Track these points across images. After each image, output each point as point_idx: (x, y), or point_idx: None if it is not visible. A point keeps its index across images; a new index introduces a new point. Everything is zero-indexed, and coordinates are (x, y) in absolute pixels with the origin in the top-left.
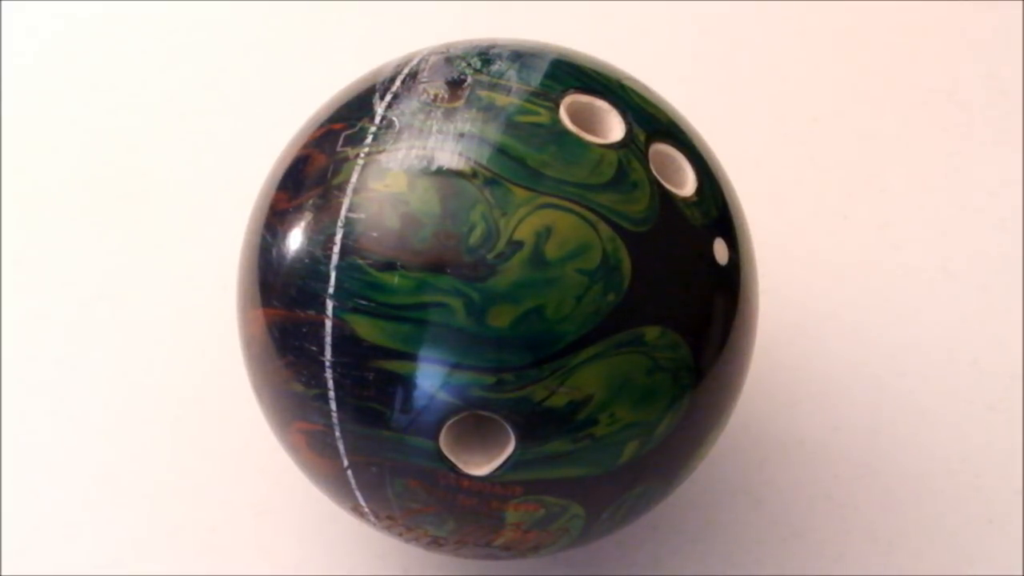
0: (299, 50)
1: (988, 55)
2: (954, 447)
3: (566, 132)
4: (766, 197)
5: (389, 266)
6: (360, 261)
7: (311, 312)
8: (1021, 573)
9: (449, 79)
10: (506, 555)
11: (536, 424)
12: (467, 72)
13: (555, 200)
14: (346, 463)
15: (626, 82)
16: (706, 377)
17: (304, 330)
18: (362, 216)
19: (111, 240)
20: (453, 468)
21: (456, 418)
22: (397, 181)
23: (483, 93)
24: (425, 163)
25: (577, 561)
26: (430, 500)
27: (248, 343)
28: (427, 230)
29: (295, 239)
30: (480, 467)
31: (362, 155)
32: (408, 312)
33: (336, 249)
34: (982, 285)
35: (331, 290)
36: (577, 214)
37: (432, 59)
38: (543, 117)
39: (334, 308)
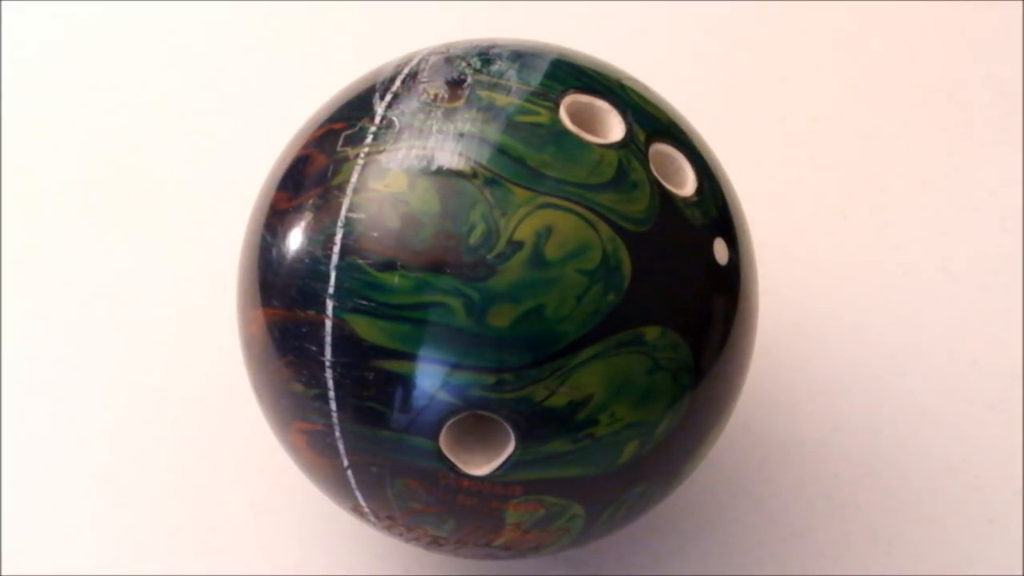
0: (299, 50)
1: (988, 55)
2: (954, 447)
3: (566, 132)
4: (766, 197)
5: (389, 266)
6: (360, 261)
7: (311, 312)
8: (1021, 573)
9: (449, 79)
10: (506, 555)
11: (536, 424)
12: (467, 72)
13: (555, 200)
14: (346, 463)
15: (626, 82)
16: (706, 377)
17: (304, 330)
18: (362, 216)
19: (111, 240)
20: (453, 468)
21: (456, 418)
22: (397, 181)
23: (483, 93)
24: (425, 163)
25: (577, 561)
26: (430, 500)
27: (248, 343)
28: (427, 230)
29: (295, 239)
30: (480, 467)
31: (362, 155)
32: (408, 312)
33: (336, 249)
34: (982, 285)
35: (331, 290)
36: (577, 214)
37: (432, 59)
38: (543, 117)
39: (334, 308)
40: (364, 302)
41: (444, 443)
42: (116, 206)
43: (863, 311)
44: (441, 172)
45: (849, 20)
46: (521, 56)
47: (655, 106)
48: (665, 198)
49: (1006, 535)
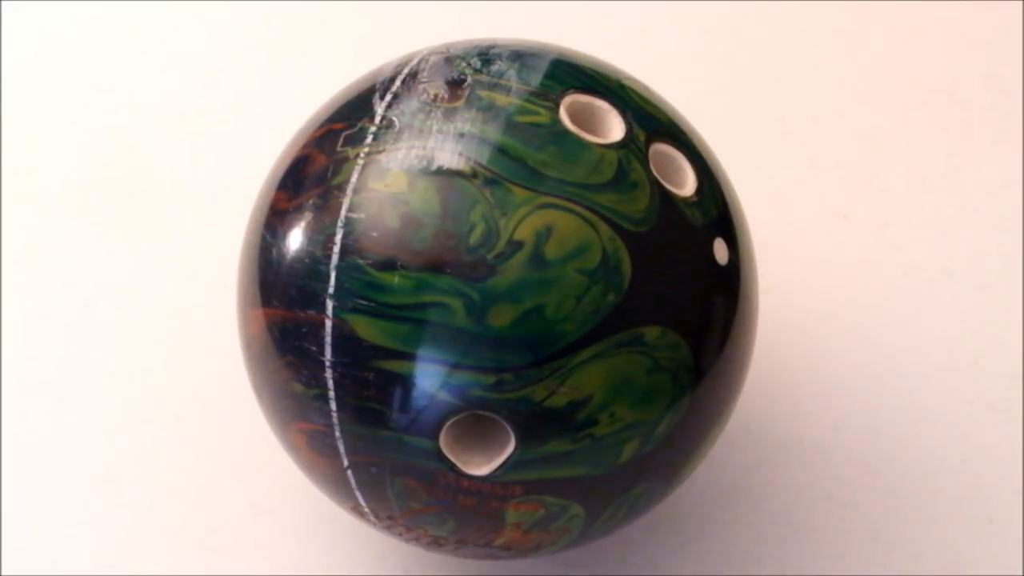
0: (299, 50)
1: (988, 55)
2: (954, 447)
3: (566, 132)
4: (766, 197)
5: (389, 266)
6: (360, 261)
7: (311, 312)
8: (1021, 573)
9: (449, 79)
10: (506, 555)
11: (536, 424)
12: (467, 72)
13: (555, 200)
14: (346, 463)
15: (626, 82)
16: (706, 377)
17: (304, 330)
18: (362, 216)
19: (111, 240)
20: (453, 468)
21: (456, 418)
22: (397, 181)
23: (483, 93)
24: (425, 163)
25: (577, 561)
26: (430, 500)
27: (248, 343)
28: (427, 230)
29: (295, 239)
30: (480, 467)
31: (362, 155)
32: (408, 312)
33: (336, 249)
34: (982, 285)
35: (331, 290)
36: (577, 214)
37: (432, 59)
38: (543, 117)
39: (334, 308)
40: (364, 302)
41: (444, 443)
42: (116, 206)
43: (863, 311)
44: (441, 172)
45: (849, 20)
46: (521, 56)
47: (655, 106)
48: (665, 198)
49: (1006, 535)
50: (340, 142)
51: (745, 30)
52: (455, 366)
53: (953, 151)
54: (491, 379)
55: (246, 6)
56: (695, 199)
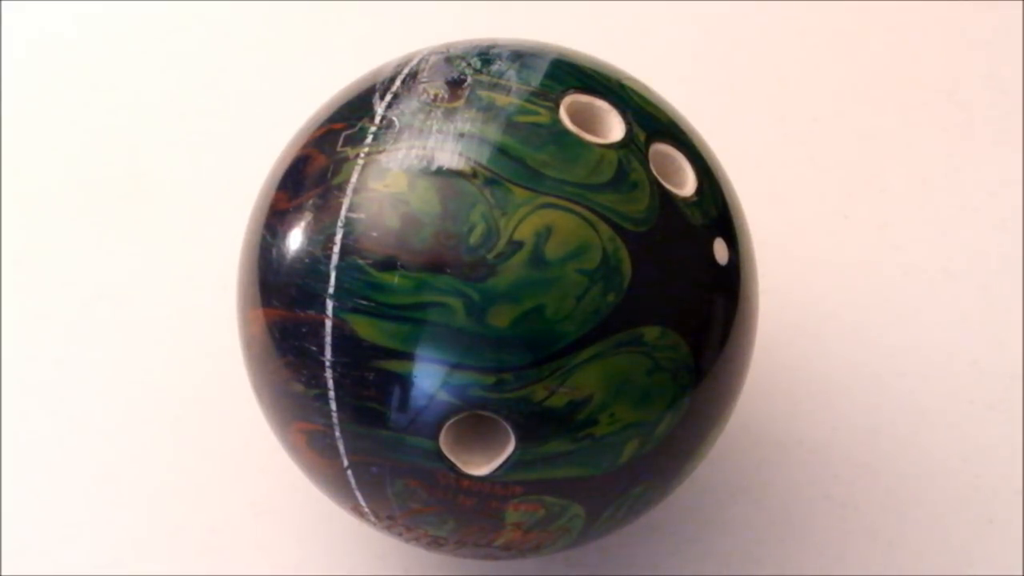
0: (299, 50)
1: (988, 55)
2: (954, 447)
3: (566, 132)
4: (766, 197)
5: (389, 266)
6: (360, 261)
7: (311, 312)
8: (1021, 573)
9: (449, 79)
10: (506, 555)
11: (536, 424)
12: (467, 72)
13: (555, 200)
14: (346, 463)
15: (626, 82)
16: (706, 377)
17: (304, 330)
18: (362, 216)
19: (111, 240)
20: (453, 468)
21: (456, 418)
22: (397, 181)
23: (483, 93)
24: (425, 163)
25: (577, 561)
26: (430, 500)
27: (248, 343)
28: (427, 230)
29: (295, 239)
30: (480, 467)
31: (362, 155)
32: (408, 312)
33: (336, 249)
34: (982, 285)
35: (331, 290)
36: (577, 214)
37: (432, 59)
38: (543, 117)
39: (334, 308)
40: (364, 302)
41: (444, 443)
42: (116, 206)
43: (863, 311)
44: (441, 172)
45: (849, 20)
46: (521, 56)
47: (655, 106)
48: (665, 198)
49: (1006, 535)
50: (340, 142)
51: (745, 30)
52: (455, 366)
53: (953, 151)
54: (491, 379)
55: (246, 6)
56: (695, 199)
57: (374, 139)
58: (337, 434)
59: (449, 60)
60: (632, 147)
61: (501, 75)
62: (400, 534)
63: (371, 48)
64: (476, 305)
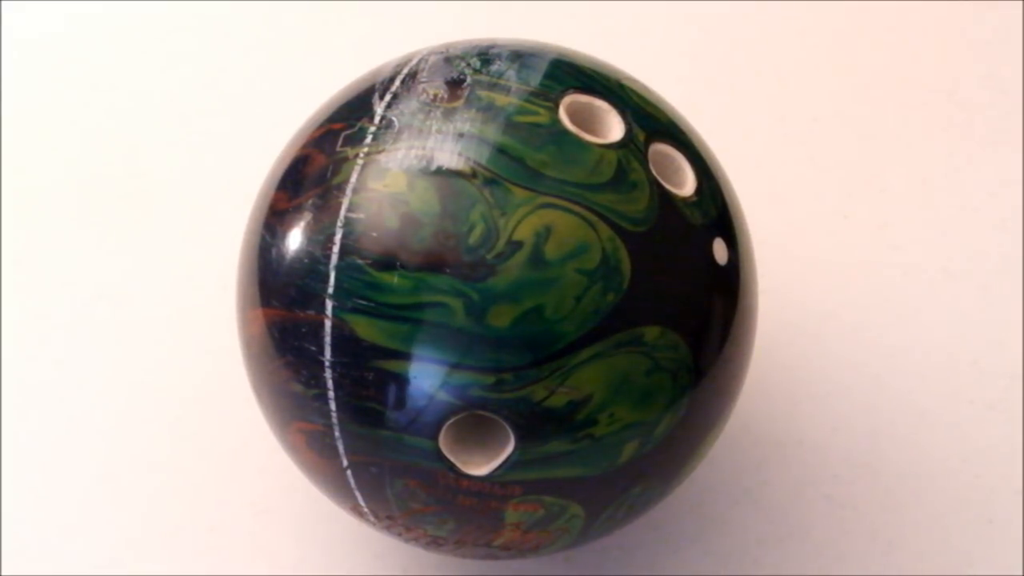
0: (299, 50)
1: (988, 55)
2: (954, 447)
3: (565, 132)
4: (766, 197)
5: (388, 266)
6: (360, 261)
7: (311, 312)
8: (1021, 573)
9: (449, 79)
10: (506, 555)
11: (536, 424)
12: (466, 72)
13: (555, 200)
14: (345, 463)
15: (626, 82)
16: (706, 377)
17: (303, 330)
18: (362, 216)
19: (111, 240)
20: (452, 468)
21: (456, 418)
22: (396, 181)
23: (482, 93)
24: (424, 163)
25: (577, 561)
26: (429, 500)
27: (248, 343)
28: (426, 230)
29: (295, 239)
30: (480, 467)
31: (361, 155)
32: (407, 312)
33: (336, 249)
34: (982, 285)
35: (330, 290)
36: (576, 214)
37: (432, 59)
38: (542, 117)
39: (333, 308)
40: (363, 302)
41: (444, 443)
42: (116, 206)
43: (863, 311)
44: (440, 172)
45: (849, 21)
46: (521, 56)
47: (655, 106)
48: (664, 198)
49: (1006, 535)
50: (340, 142)
51: (745, 30)
52: (454, 366)
53: (953, 151)
54: (490, 379)
55: (246, 6)
56: (695, 199)
57: (373, 139)
58: (336, 434)
59: (449, 60)
60: (631, 147)
61: (501, 75)
62: (399, 534)
63: (371, 48)
64: (476, 305)
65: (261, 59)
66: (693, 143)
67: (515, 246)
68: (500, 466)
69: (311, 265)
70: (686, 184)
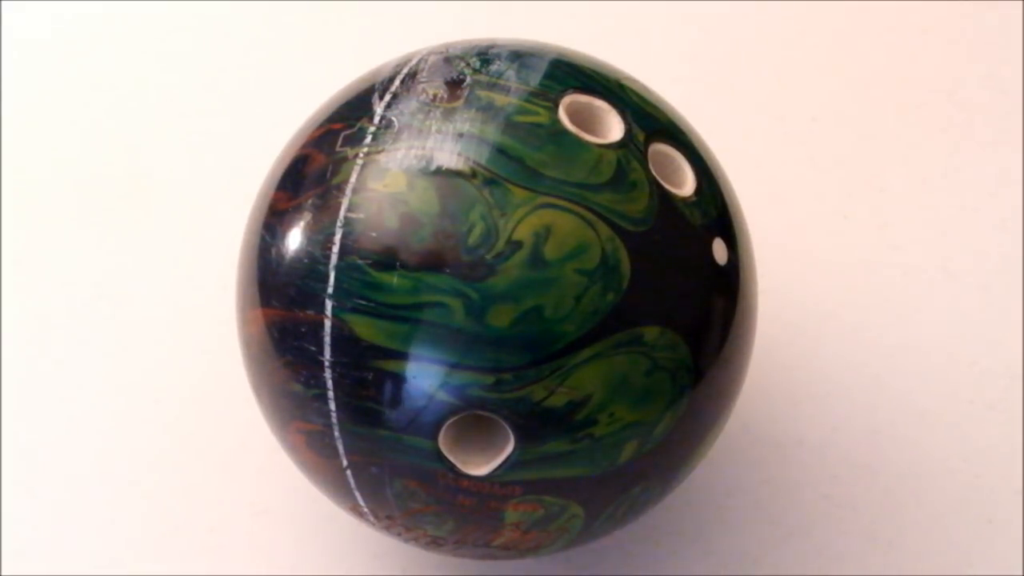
0: (299, 50)
1: (988, 55)
2: (954, 447)
3: (565, 132)
4: (766, 197)
5: (388, 266)
6: (359, 261)
7: (310, 312)
8: (1021, 573)
9: (448, 79)
10: (505, 555)
11: (535, 424)
12: (466, 72)
13: (554, 200)
14: (345, 463)
15: (625, 82)
16: (705, 377)
17: (303, 330)
18: (361, 216)
19: (111, 240)
20: (452, 468)
21: (455, 418)
22: (396, 181)
23: (482, 93)
24: (424, 163)
25: (577, 561)
26: (429, 500)
27: (247, 343)
28: (426, 230)
29: (294, 239)
30: (479, 467)
31: (361, 155)
32: (407, 312)
33: (335, 249)
34: (982, 285)
35: (330, 290)
36: (576, 214)
37: (431, 59)
38: (542, 117)
39: (333, 308)
40: (363, 302)
41: (443, 443)
42: (116, 206)
43: (863, 311)
44: (440, 172)
45: (849, 20)
46: (520, 56)
47: (654, 106)
48: (664, 198)
49: (1006, 535)
50: (339, 142)
51: (745, 30)
52: (454, 366)
53: (953, 151)
54: (490, 379)
55: (246, 6)
56: (694, 199)
57: (373, 139)
58: (336, 434)
59: (448, 60)
60: (631, 147)
61: (500, 75)
62: (399, 534)
63: (371, 48)
64: (475, 305)
65: (261, 59)
66: (693, 143)
67: (515, 246)
68: (500, 466)
69: (311, 265)
70: (686, 184)
